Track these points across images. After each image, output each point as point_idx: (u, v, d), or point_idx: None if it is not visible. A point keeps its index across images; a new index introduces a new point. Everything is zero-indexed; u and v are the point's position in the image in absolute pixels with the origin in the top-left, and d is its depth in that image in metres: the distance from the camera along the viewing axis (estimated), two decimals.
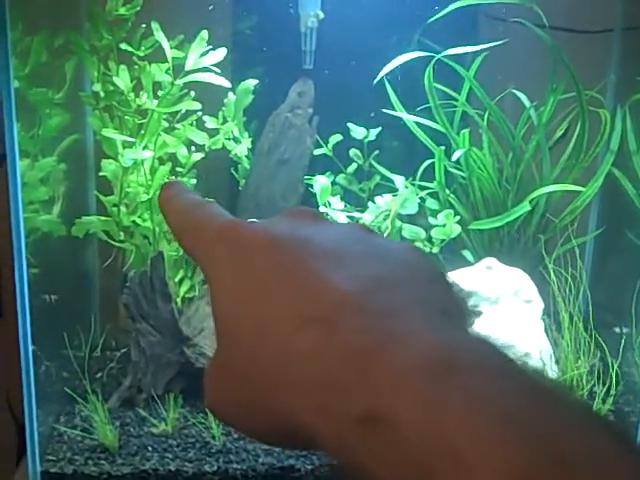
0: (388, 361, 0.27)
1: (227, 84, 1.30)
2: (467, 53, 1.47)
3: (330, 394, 0.28)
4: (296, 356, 0.29)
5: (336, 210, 1.46)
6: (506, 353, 0.27)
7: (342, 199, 1.50)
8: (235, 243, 0.33)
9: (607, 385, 1.41)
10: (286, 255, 0.32)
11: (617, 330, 1.53)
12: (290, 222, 0.35)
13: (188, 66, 1.27)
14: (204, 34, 1.27)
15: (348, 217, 1.48)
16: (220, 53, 1.26)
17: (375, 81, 1.45)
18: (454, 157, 1.47)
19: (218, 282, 0.34)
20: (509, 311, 1.44)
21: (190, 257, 0.37)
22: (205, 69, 1.27)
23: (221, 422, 0.35)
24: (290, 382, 0.29)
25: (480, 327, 1.42)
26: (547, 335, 1.45)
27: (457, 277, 1.44)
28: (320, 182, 1.47)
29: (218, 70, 1.29)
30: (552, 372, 1.42)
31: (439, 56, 1.44)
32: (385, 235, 1.46)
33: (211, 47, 1.28)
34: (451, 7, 1.44)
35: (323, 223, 0.35)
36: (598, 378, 1.43)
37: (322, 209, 1.47)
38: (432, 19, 1.46)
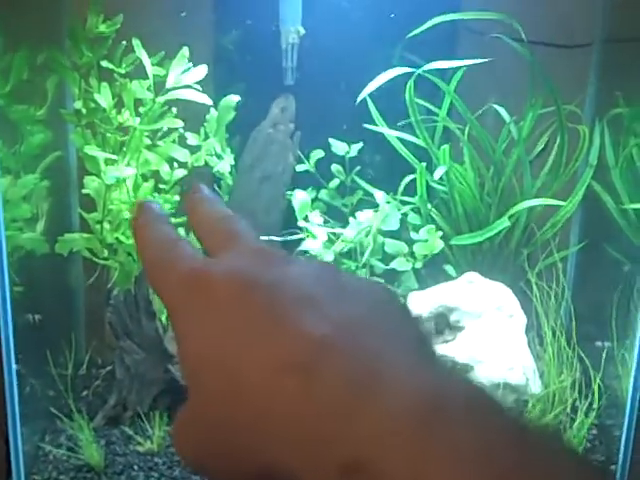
0: (372, 409, 0.26)
1: (209, 101, 1.31)
2: (448, 68, 1.48)
3: (313, 443, 0.27)
4: (276, 405, 0.28)
5: (315, 225, 1.47)
6: (489, 393, 0.28)
7: (325, 214, 1.51)
8: (205, 291, 0.33)
9: (590, 399, 1.42)
10: (257, 302, 0.31)
11: (599, 343, 1.54)
12: (259, 265, 0.34)
13: (169, 83, 1.27)
14: (185, 51, 1.27)
15: (330, 233, 1.48)
16: (201, 71, 1.27)
17: (357, 101, 1.46)
18: (436, 175, 1.47)
19: (186, 328, 0.33)
20: (492, 326, 1.44)
21: (155, 294, 0.37)
22: (186, 86, 1.28)
23: (191, 468, 0.34)
24: (271, 431, 0.29)
25: (462, 342, 1.43)
26: (530, 349, 1.45)
27: (439, 292, 1.45)
28: (299, 197, 1.47)
29: (199, 87, 1.29)
30: (535, 386, 1.42)
31: (419, 71, 1.45)
32: (368, 251, 1.46)
33: (192, 65, 1.29)
34: (432, 22, 1.45)
35: (292, 265, 0.34)
36: (580, 392, 1.43)
37: (301, 224, 1.47)
38: (413, 33, 1.47)
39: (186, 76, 1.26)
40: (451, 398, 0.27)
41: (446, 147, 1.49)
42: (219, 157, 1.46)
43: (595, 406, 1.41)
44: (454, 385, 0.28)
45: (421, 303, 1.44)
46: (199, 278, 0.33)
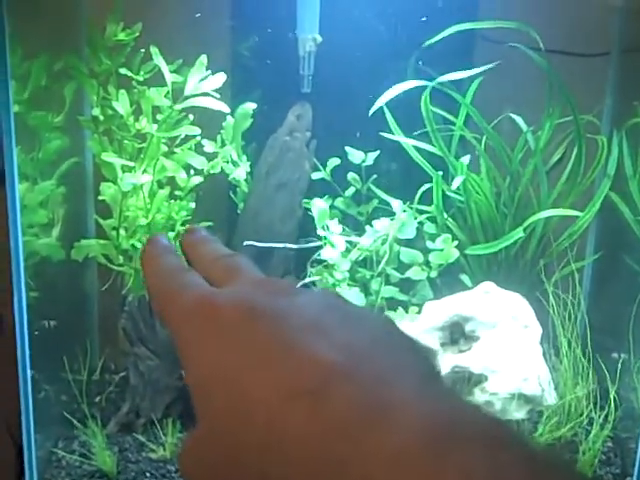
0: (383, 432, 0.26)
1: (226, 109, 1.31)
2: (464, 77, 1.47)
3: (325, 466, 0.27)
4: (287, 430, 0.28)
5: (334, 233, 1.46)
6: (503, 422, 0.27)
7: (340, 223, 1.50)
8: (212, 318, 0.33)
9: (605, 411, 1.41)
10: (265, 327, 0.32)
11: (615, 355, 1.53)
12: (265, 293, 0.34)
13: (187, 91, 1.28)
14: (203, 59, 1.28)
15: (347, 241, 1.48)
16: (219, 79, 1.27)
17: (372, 111, 1.46)
18: (454, 185, 1.47)
19: (193, 354, 0.33)
20: (507, 336, 1.43)
21: (162, 322, 0.37)
22: (204, 94, 1.28)
23: None
24: (280, 455, 0.29)
25: (478, 352, 1.42)
26: (545, 360, 1.44)
27: (455, 301, 1.44)
28: (318, 206, 1.47)
29: (217, 95, 1.29)
30: (550, 397, 1.41)
31: (433, 84, 1.45)
32: (383, 261, 1.46)
33: (210, 72, 1.29)
34: (448, 31, 1.45)
35: (298, 293, 0.35)
36: (596, 403, 1.42)
37: (320, 232, 1.47)
38: (429, 42, 1.47)
39: (204, 84, 1.27)
40: (463, 426, 0.26)
41: (464, 160, 1.48)
42: (235, 164, 1.46)
43: (611, 418, 1.40)
44: (466, 413, 0.28)
45: (436, 312, 1.44)
46: (206, 305, 0.34)
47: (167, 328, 0.36)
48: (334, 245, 1.44)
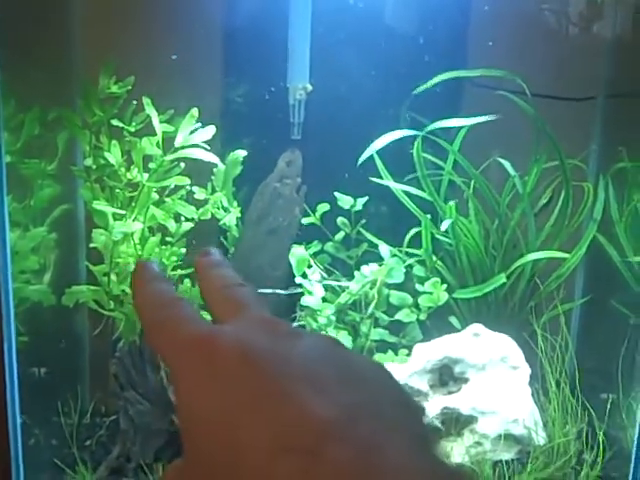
0: None
1: (216, 160, 1.33)
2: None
3: None
4: None
5: (313, 281, 1.48)
6: None
7: (330, 266, 1.52)
8: (209, 357, 0.32)
9: (595, 451, 1.42)
10: (262, 374, 0.31)
11: (604, 395, 1.54)
12: (265, 334, 0.34)
13: (178, 142, 1.29)
14: (194, 112, 1.29)
15: (335, 285, 1.49)
16: (209, 131, 1.29)
17: (360, 161, 1.48)
18: (442, 227, 1.49)
19: (188, 392, 0.33)
20: (496, 377, 1.44)
21: (155, 353, 0.36)
22: (194, 145, 1.30)
23: None
24: None
25: (467, 393, 1.43)
26: (534, 400, 1.45)
27: (444, 344, 1.45)
28: (297, 253, 1.49)
29: (207, 147, 1.31)
30: (539, 438, 1.42)
31: (423, 133, 1.47)
32: (372, 305, 1.47)
33: (200, 125, 1.30)
34: (437, 79, 1.47)
35: (298, 339, 0.34)
36: (586, 443, 1.43)
37: (298, 280, 1.48)
38: (418, 90, 1.49)
39: (195, 136, 1.28)
40: None
41: (452, 203, 1.50)
42: (226, 210, 1.48)
43: (600, 458, 1.41)
44: (455, 477, 0.28)
45: (426, 355, 1.45)
46: (203, 344, 0.33)
47: (161, 359, 0.35)
48: (311, 293, 1.45)
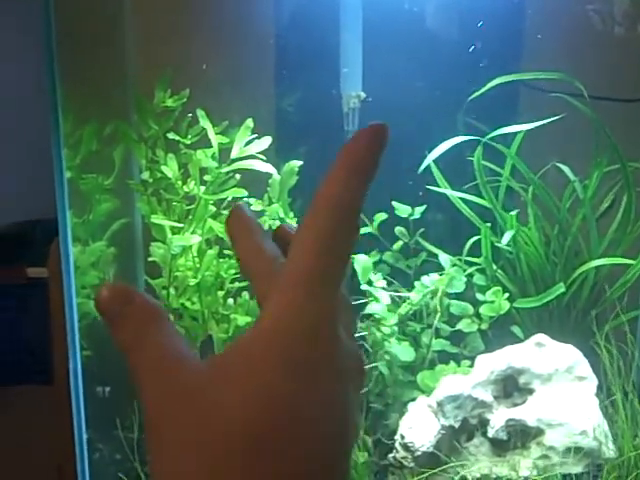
0: None
1: (273, 170, 1.32)
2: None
3: None
4: None
5: (378, 288, 1.46)
6: None
7: (389, 276, 1.50)
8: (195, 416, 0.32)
9: None
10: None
11: None
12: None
13: (233, 154, 1.29)
14: (249, 123, 1.29)
15: (395, 296, 1.47)
16: (265, 142, 1.29)
17: (421, 169, 1.46)
18: (504, 240, 1.46)
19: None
20: (562, 388, 1.41)
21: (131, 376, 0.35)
22: (251, 156, 1.30)
23: None
24: None
25: (532, 405, 1.39)
26: (602, 412, 1.41)
27: (508, 354, 1.43)
28: (361, 261, 1.47)
29: (264, 157, 1.31)
30: (609, 451, 1.38)
31: (485, 139, 1.45)
32: (437, 316, 1.45)
33: (256, 135, 1.30)
34: (491, 83, 1.45)
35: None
36: None
37: (364, 287, 1.46)
38: (473, 96, 1.47)
39: (250, 147, 1.28)
40: None
41: (514, 213, 1.47)
42: (282, 221, 1.47)
43: None
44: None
45: (489, 365, 1.42)
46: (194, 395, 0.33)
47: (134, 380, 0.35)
48: (378, 300, 1.43)
